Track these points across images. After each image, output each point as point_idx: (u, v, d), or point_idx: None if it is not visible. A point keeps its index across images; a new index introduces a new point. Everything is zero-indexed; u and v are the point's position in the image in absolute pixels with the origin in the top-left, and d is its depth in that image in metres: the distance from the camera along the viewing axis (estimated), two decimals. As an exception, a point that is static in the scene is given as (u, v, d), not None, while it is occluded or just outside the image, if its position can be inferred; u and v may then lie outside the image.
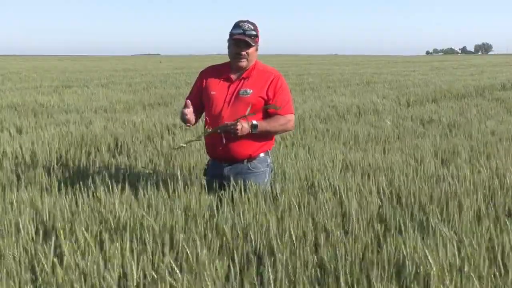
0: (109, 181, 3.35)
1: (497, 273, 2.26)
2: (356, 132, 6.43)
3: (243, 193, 3.06)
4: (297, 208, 2.98)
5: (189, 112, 3.10)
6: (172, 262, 2.23)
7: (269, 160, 3.31)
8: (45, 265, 2.26)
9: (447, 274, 2.13)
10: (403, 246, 2.33)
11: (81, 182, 3.50)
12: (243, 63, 3.14)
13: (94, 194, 3.30)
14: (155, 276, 2.18)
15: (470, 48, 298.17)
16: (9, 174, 4.22)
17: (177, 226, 2.70)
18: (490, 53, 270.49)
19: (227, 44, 3.19)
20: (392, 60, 60.71)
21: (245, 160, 3.18)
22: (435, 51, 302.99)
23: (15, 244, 2.46)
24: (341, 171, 4.25)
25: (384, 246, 2.40)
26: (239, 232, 2.63)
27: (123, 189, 3.24)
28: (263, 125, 3.09)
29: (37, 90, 14.09)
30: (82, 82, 18.36)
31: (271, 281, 2.11)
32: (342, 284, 2.12)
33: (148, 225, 2.66)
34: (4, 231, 2.68)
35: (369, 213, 2.96)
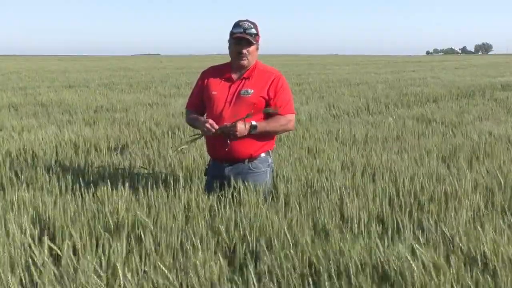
0: (109, 181, 3.35)
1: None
2: (355, 132, 6.43)
3: (243, 193, 3.06)
4: (297, 208, 2.98)
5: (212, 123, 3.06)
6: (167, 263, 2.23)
7: (270, 160, 3.31)
8: (40, 265, 2.26)
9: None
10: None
11: (81, 182, 3.50)
12: (244, 61, 3.14)
13: (94, 194, 3.30)
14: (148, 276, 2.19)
15: (470, 48, 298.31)
16: (9, 174, 4.22)
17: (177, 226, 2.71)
18: (490, 53, 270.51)
19: (227, 44, 3.19)
20: (392, 60, 60.71)
21: (246, 160, 3.18)
22: (435, 51, 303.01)
23: (13, 244, 2.46)
24: (341, 171, 4.25)
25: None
26: (241, 232, 2.63)
27: (123, 189, 3.24)
28: (263, 125, 3.10)
29: (37, 90, 14.09)
30: (82, 82, 18.37)
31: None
32: None
33: (145, 225, 2.66)
34: (4, 231, 2.68)
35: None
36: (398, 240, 2.53)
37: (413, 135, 6.46)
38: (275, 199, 3.23)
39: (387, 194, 3.30)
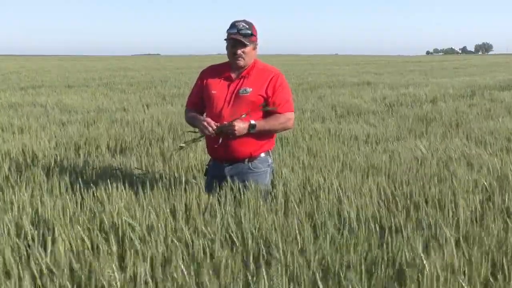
0: (109, 181, 3.35)
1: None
2: (355, 132, 6.43)
3: (243, 193, 3.05)
4: (296, 208, 2.98)
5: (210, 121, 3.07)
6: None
7: (270, 160, 3.30)
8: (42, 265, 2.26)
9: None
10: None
11: (81, 183, 3.50)
12: (240, 61, 3.15)
13: (94, 194, 3.30)
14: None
15: (471, 48, 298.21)
16: (9, 174, 4.22)
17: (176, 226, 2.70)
18: (490, 53, 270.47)
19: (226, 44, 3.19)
20: (392, 60, 60.72)
21: (246, 160, 3.18)
22: (436, 51, 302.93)
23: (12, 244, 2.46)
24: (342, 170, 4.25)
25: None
26: (243, 232, 2.63)
27: (123, 189, 3.23)
28: (262, 124, 3.09)
29: (37, 90, 14.09)
30: (82, 82, 18.37)
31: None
32: None
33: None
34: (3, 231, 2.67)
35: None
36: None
37: (414, 135, 6.47)
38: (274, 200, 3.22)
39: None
